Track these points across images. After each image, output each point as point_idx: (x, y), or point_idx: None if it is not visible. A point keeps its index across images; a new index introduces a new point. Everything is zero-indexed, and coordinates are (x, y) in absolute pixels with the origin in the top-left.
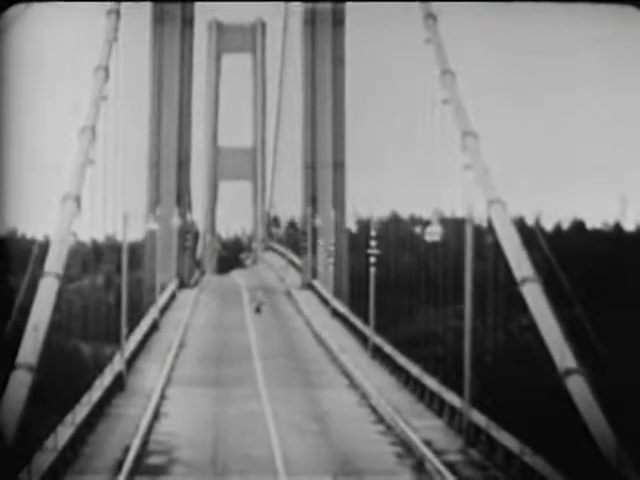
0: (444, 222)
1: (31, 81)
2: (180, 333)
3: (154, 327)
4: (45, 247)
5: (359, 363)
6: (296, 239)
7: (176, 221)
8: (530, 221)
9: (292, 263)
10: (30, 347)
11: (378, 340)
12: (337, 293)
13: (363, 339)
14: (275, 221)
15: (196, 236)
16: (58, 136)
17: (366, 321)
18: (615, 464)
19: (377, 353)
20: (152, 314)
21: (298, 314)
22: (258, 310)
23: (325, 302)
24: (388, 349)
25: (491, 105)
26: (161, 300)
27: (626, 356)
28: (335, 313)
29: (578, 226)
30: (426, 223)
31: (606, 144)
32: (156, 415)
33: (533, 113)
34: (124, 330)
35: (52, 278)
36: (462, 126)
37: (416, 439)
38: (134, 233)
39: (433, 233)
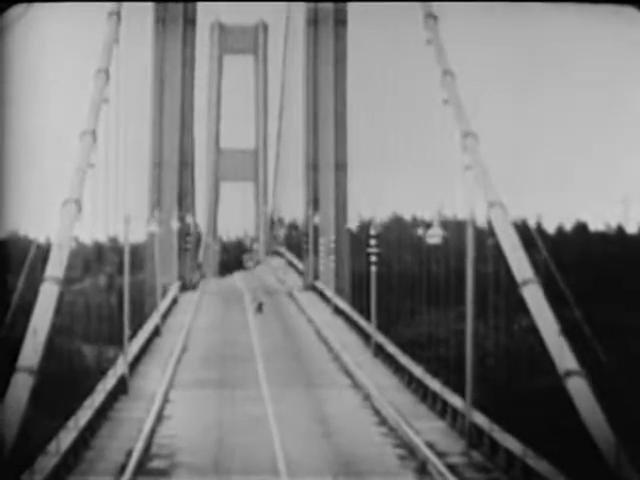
0: (446, 224)
1: (32, 82)
2: (182, 336)
3: (156, 331)
4: (46, 249)
5: (361, 362)
6: (298, 240)
7: (175, 223)
8: (532, 223)
9: (290, 264)
10: (31, 350)
11: (380, 339)
12: (338, 293)
13: (365, 338)
14: (279, 222)
15: (198, 238)
16: (59, 136)
17: (368, 320)
18: (615, 465)
19: (379, 352)
20: (154, 318)
21: (300, 315)
22: (260, 309)
23: (328, 302)
24: (390, 348)
25: (491, 105)
26: (163, 303)
27: (628, 358)
28: (337, 311)
29: (580, 228)
30: (427, 225)
31: (607, 144)
32: (159, 418)
33: (533, 113)
34: (126, 333)
35: (53, 282)
36: (462, 127)
37: (419, 441)
38: (136, 235)
39: (434, 236)
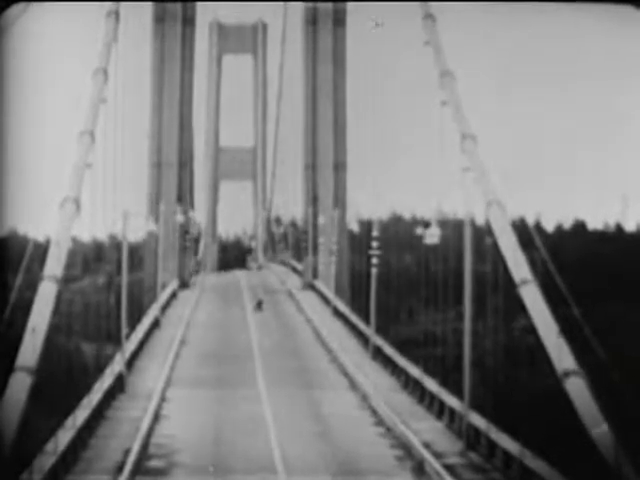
0: (445, 223)
1: (31, 81)
2: (181, 332)
3: (155, 323)
4: (45, 248)
5: (360, 364)
6: (297, 239)
7: (180, 219)
8: (531, 222)
9: (294, 270)
10: (30, 349)
11: (379, 341)
12: (338, 293)
13: (364, 339)
14: (277, 221)
15: (198, 236)
16: (58, 136)
17: (367, 322)
18: (614, 465)
19: (378, 354)
20: (153, 313)
21: (299, 313)
22: (259, 306)
23: (326, 302)
24: (389, 350)
25: (490, 105)
26: (162, 300)
27: (626, 357)
28: (336, 312)
29: (579, 227)
30: (426, 224)
31: (606, 144)
32: (156, 417)
33: (532, 113)
34: (124, 331)
35: (51, 281)
36: (461, 128)
37: (416, 441)
38: (136, 234)
39: (432, 235)
